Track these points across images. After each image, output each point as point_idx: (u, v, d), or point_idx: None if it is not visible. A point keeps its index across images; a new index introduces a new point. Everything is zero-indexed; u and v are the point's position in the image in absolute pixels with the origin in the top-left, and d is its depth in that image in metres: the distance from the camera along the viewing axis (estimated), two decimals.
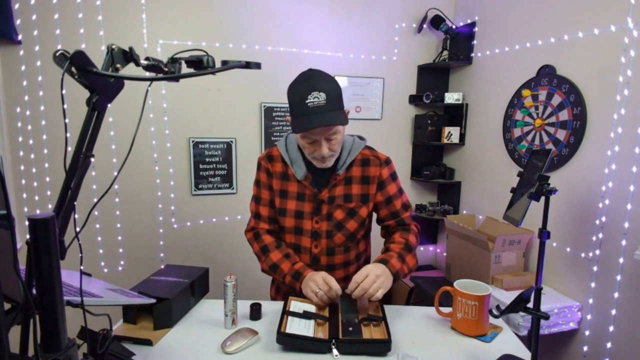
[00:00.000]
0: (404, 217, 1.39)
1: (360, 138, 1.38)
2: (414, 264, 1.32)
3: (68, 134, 0.80)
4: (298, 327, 1.11)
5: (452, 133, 2.81)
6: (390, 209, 1.37)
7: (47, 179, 2.28)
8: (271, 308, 1.31)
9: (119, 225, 2.45)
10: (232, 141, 2.60)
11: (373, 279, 1.17)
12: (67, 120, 0.74)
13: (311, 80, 1.15)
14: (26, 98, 2.18)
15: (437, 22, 2.78)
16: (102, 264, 2.44)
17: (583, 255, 1.94)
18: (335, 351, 1.05)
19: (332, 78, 1.19)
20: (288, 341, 1.07)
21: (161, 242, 2.56)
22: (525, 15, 2.27)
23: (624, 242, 1.74)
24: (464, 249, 2.34)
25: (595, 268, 1.88)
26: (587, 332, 1.93)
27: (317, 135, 1.18)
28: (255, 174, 1.42)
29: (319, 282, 1.22)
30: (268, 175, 1.38)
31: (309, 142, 1.21)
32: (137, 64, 0.84)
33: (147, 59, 0.86)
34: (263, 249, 1.36)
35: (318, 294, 1.22)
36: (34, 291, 0.64)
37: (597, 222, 1.86)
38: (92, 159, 0.78)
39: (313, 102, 1.12)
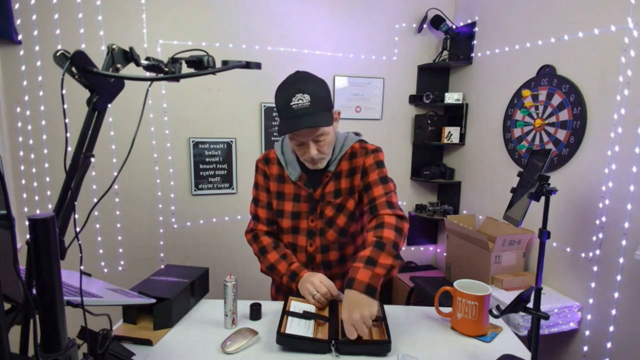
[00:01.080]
0: (378, 203, 1.22)
1: (356, 134, 1.38)
2: (391, 261, 1.11)
3: (68, 134, 0.80)
4: (298, 327, 1.11)
5: (452, 133, 2.81)
6: (369, 195, 1.26)
7: (47, 179, 2.28)
8: (271, 308, 1.31)
9: (119, 225, 2.45)
10: (232, 141, 2.60)
11: (361, 329, 1.04)
12: (67, 120, 0.74)
13: (297, 82, 1.15)
14: (26, 98, 2.18)
15: (437, 22, 2.78)
16: (102, 264, 2.44)
17: (583, 255, 1.94)
18: (335, 352, 1.05)
19: (319, 80, 1.18)
20: (288, 341, 1.07)
21: (161, 242, 2.56)
22: (525, 15, 2.27)
23: (624, 242, 1.74)
24: (464, 249, 2.34)
25: (595, 268, 1.88)
26: (587, 332, 1.93)
27: (304, 137, 1.18)
28: (254, 176, 1.43)
29: (316, 284, 1.23)
30: (265, 178, 1.39)
31: (297, 144, 1.21)
32: (138, 64, 0.84)
33: (147, 59, 0.86)
34: (261, 250, 1.37)
35: (315, 296, 1.22)
36: (34, 291, 0.64)
37: (597, 222, 1.86)
38: (92, 159, 0.78)
39: (297, 104, 1.12)
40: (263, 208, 1.40)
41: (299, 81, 1.16)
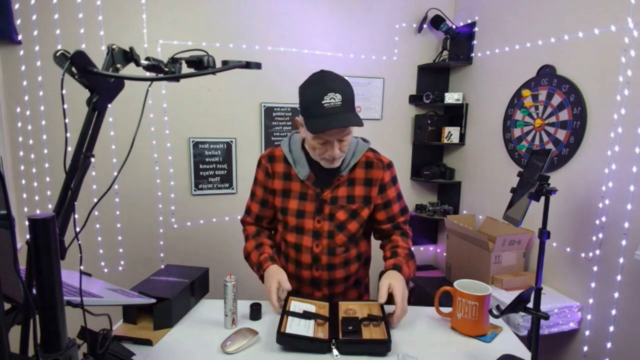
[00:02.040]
0: (400, 222, 1.40)
1: (364, 140, 1.40)
2: (414, 269, 1.37)
3: (68, 134, 0.80)
4: (298, 327, 1.11)
5: (452, 133, 2.81)
6: (388, 212, 1.38)
7: (47, 179, 2.28)
8: (271, 308, 1.31)
9: (119, 225, 2.45)
10: (232, 141, 2.60)
11: (404, 299, 1.20)
12: (67, 120, 0.74)
13: (326, 81, 1.16)
14: (26, 98, 2.18)
15: (437, 22, 2.78)
16: (102, 264, 2.44)
17: (583, 255, 1.94)
18: (335, 351, 1.05)
19: (345, 80, 1.20)
20: (288, 341, 1.07)
21: (161, 242, 2.56)
22: (525, 15, 2.27)
23: (624, 242, 1.74)
24: (464, 249, 2.34)
25: (595, 268, 1.88)
26: (587, 332, 1.93)
27: (332, 136, 1.19)
28: (255, 171, 1.44)
29: (283, 283, 1.26)
30: (266, 175, 1.39)
31: (321, 142, 1.21)
32: (138, 64, 0.84)
33: (147, 59, 0.86)
34: (245, 239, 1.44)
35: (279, 295, 1.25)
36: (34, 291, 0.64)
37: (597, 222, 1.86)
38: (92, 159, 0.78)
39: (329, 103, 1.12)
40: (257, 203, 1.43)
41: (328, 80, 1.16)
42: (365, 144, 1.38)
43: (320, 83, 1.16)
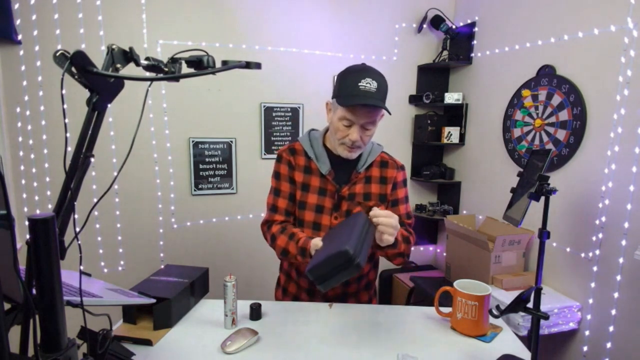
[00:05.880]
0: (405, 223, 1.39)
1: (378, 144, 1.44)
2: (409, 252, 1.33)
3: (68, 134, 0.80)
4: None
5: (452, 133, 2.81)
6: (395, 211, 1.38)
7: (47, 179, 2.28)
8: (271, 308, 1.31)
9: (119, 225, 2.45)
10: (232, 141, 2.60)
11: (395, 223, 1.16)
12: (67, 120, 0.74)
13: (366, 70, 1.21)
14: (26, 98, 2.18)
15: (437, 22, 2.78)
16: (102, 264, 2.44)
17: (583, 255, 1.94)
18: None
19: (384, 77, 1.24)
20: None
21: (161, 242, 2.56)
22: (525, 15, 2.28)
23: (624, 242, 1.74)
24: (464, 249, 2.34)
25: (595, 268, 1.88)
26: (587, 332, 1.93)
27: (357, 118, 1.21)
28: (274, 167, 1.41)
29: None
30: (290, 168, 1.38)
31: (346, 124, 1.23)
32: (137, 64, 0.84)
33: (147, 59, 0.86)
34: (272, 238, 1.34)
35: None
36: (34, 291, 0.64)
37: (597, 222, 1.86)
38: (92, 159, 0.78)
39: (365, 86, 1.17)
40: (284, 199, 1.37)
41: (369, 70, 1.21)
42: (380, 147, 1.42)
43: (361, 70, 1.21)
